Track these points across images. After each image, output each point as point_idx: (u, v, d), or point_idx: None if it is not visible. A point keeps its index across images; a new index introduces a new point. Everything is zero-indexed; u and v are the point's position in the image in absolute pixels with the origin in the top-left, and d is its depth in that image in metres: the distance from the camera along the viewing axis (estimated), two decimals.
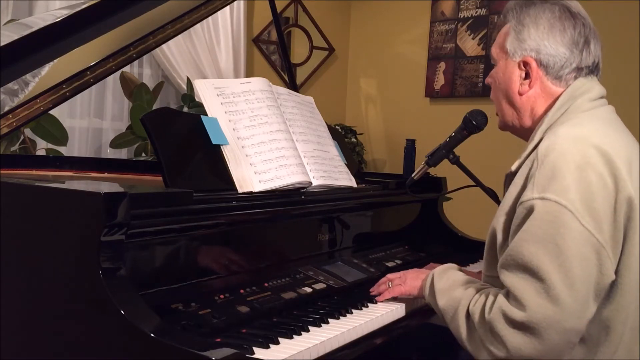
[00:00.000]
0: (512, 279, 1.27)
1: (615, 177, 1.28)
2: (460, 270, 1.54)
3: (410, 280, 1.60)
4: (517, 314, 1.24)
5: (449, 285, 1.45)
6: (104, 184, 1.65)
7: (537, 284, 1.24)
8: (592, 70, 1.45)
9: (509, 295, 1.28)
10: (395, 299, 1.62)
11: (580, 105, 1.40)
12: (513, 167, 1.43)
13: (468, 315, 1.36)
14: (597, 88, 1.44)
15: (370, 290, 1.67)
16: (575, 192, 1.25)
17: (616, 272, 1.28)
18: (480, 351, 1.31)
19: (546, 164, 1.29)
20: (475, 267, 2.09)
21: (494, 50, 1.53)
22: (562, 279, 1.22)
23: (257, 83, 1.81)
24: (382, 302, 1.62)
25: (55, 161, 2.42)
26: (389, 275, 1.66)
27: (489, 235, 1.44)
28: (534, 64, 1.44)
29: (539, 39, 1.42)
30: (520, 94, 1.47)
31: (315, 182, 1.80)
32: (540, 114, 1.46)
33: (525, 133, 1.51)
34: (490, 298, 1.32)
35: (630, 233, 1.29)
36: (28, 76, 1.69)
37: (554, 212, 1.25)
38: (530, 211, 1.28)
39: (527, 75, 1.46)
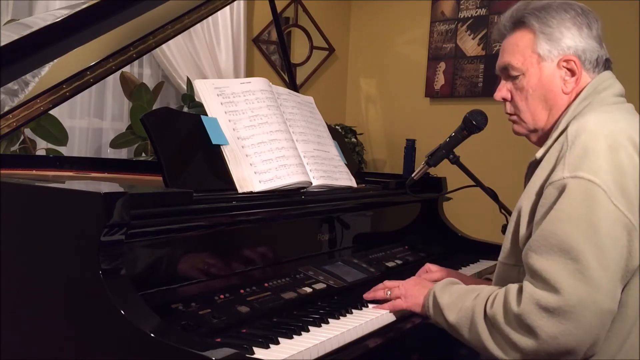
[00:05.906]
0: (543, 262, 1.23)
1: None
2: (459, 278, 1.50)
3: (411, 298, 1.52)
4: (551, 299, 1.19)
5: (456, 298, 1.40)
6: (104, 184, 1.64)
7: (571, 265, 1.20)
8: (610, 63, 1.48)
9: (536, 281, 1.23)
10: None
11: (604, 99, 1.41)
12: (538, 155, 1.40)
13: (487, 320, 1.31)
14: (618, 85, 1.46)
15: (364, 295, 1.60)
16: (607, 172, 1.24)
17: None
18: (509, 352, 1.26)
19: (577, 144, 1.28)
20: (475, 267, 2.09)
21: (517, 60, 1.46)
22: (597, 259, 1.19)
23: (257, 83, 1.81)
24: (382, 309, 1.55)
25: (55, 161, 2.43)
26: (387, 283, 1.59)
27: (513, 220, 1.40)
28: (578, 61, 1.43)
29: (573, 37, 1.43)
30: (566, 93, 1.45)
31: (315, 182, 1.80)
32: None
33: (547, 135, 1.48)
34: (512, 292, 1.27)
35: None
36: (28, 76, 1.69)
37: (587, 190, 1.23)
38: (562, 190, 1.26)
39: (572, 73, 1.44)
